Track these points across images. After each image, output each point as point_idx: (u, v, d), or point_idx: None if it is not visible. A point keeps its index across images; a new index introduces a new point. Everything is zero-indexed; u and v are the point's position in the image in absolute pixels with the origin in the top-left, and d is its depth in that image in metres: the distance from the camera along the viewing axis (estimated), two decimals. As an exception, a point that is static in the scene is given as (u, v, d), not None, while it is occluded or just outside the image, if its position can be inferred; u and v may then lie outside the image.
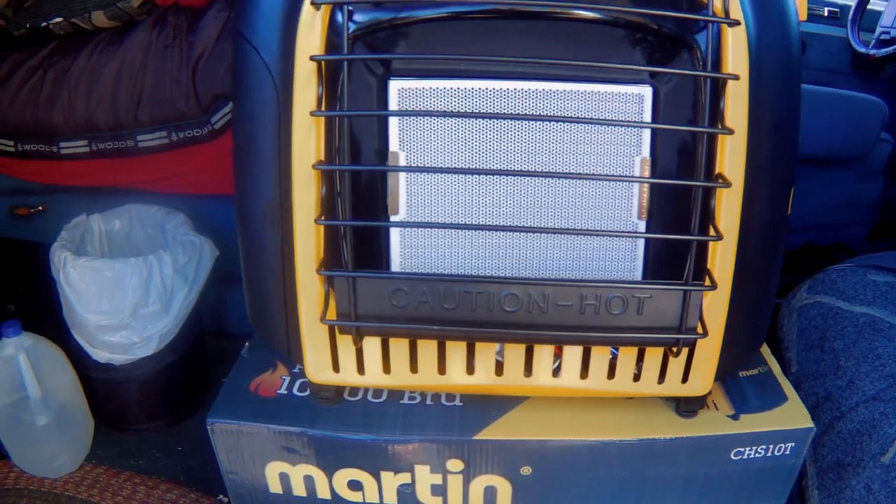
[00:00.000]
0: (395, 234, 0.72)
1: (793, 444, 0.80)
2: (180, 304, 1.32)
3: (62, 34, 1.42)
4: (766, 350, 0.91)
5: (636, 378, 0.75)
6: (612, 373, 0.75)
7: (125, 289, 1.26)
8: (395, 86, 0.70)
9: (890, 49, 1.82)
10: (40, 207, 1.56)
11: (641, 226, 0.72)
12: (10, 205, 1.56)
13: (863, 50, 1.89)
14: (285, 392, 0.83)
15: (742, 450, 0.80)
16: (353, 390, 0.83)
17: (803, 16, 0.76)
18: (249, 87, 0.73)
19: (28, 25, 1.42)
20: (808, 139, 1.70)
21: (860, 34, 1.93)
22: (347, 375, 0.76)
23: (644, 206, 0.71)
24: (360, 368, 0.76)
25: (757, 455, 0.81)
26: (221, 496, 1.30)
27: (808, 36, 1.97)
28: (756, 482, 0.83)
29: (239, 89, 0.75)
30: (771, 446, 0.80)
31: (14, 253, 1.61)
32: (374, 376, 0.76)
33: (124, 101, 1.36)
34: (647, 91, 0.70)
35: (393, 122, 0.70)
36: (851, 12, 1.95)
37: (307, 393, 0.83)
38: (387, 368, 0.75)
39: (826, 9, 2.09)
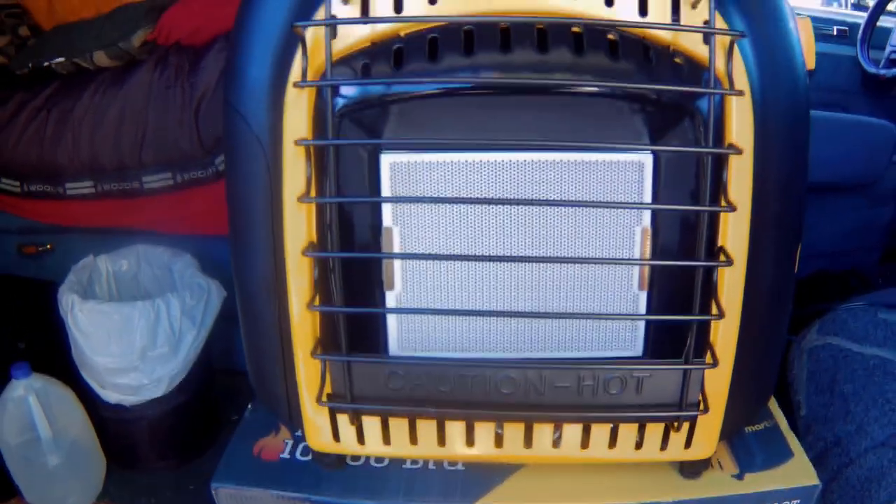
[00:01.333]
0: (391, 316, 0.71)
1: (798, 501, 0.79)
2: (189, 346, 1.32)
3: (64, 73, 1.42)
4: (772, 403, 0.90)
5: (638, 446, 0.74)
6: (613, 442, 0.74)
7: (133, 332, 1.27)
8: (387, 160, 0.68)
9: None
10: (48, 246, 1.57)
11: (642, 297, 0.71)
12: (18, 243, 1.57)
13: (872, 70, 1.87)
14: (288, 456, 0.83)
15: (749, 510, 0.79)
16: (356, 456, 0.82)
17: (811, 65, 0.74)
18: (241, 161, 0.72)
19: (31, 65, 1.43)
20: (819, 168, 1.68)
21: (870, 52, 1.90)
22: (348, 445, 0.76)
23: (645, 278, 0.70)
24: (361, 440, 0.75)
25: (764, 514, 0.79)
26: (232, 536, 1.30)
27: (818, 56, 1.95)
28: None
29: (230, 161, 0.75)
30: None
31: (23, 291, 1.61)
32: (374, 447, 0.76)
33: (128, 142, 1.37)
34: (647, 159, 0.68)
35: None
36: (861, 31, 1.92)
37: (310, 457, 0.82)
38: (386, 440, 0.75)
39: (835, 28, 2.06)
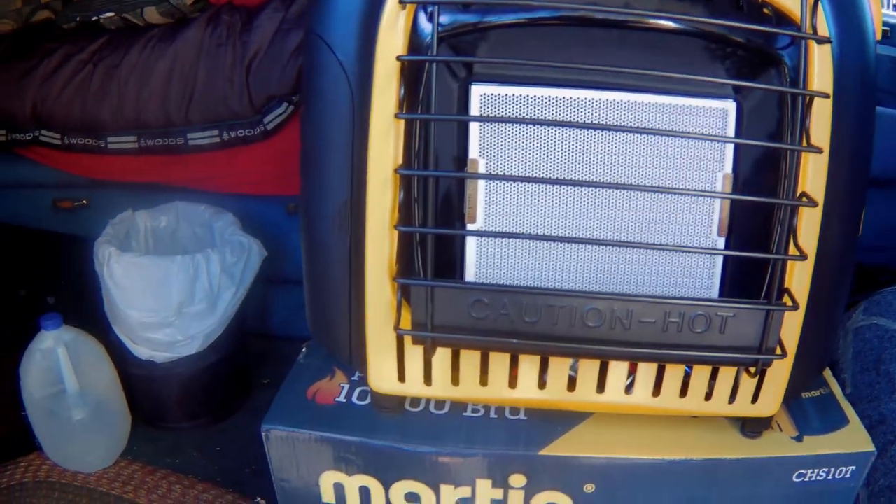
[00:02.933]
0: (471, 243, 0.70)
1: (853, 467, 0.79)
2: (226, 304, 1.31)
3: (113, 29, 1.42)
4: (827, 372, 0.90)
5: (707, 397, 0.74)
6: (684, 391, 0.73)
7: (171, 287, 1.26)
8: (478, 91, 0.68)
9: None
10: (84, 201, 1.56)
11: (721, 242, 0.70)
12: (53, 197, 1.56)
13: None
14: (344, 400, 0.82)
15: (804, 472, 0.79)
16: (415, 401, 0.82)
17: (878, 34, 0.75)
18: (322, 88, 0.72)
19: (78, 19, 1.42)
20: (877, 162, 1.69)
21: None
22: (413, 386, 0.75)
23: (724, 224, 0.70)
24: (428, 379, 0.74)
25: (818, 478, 0.79)
26: (259, 499, 1.29)
27: None
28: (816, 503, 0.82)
29: (310, 89, 0.74)
30: (832, 469, 0.79)
31: (55, 246, 1.61)
32: (441, 388, 0.75)
33: (175, 99, 1.36)
34: (731, 106, 0.68)
35: (474, 129, 0.69)
36: None
37: (367, 402, 0.82)
38: (455, 380, 0.74)
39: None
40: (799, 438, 0.80)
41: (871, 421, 1.00)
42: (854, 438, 0.80)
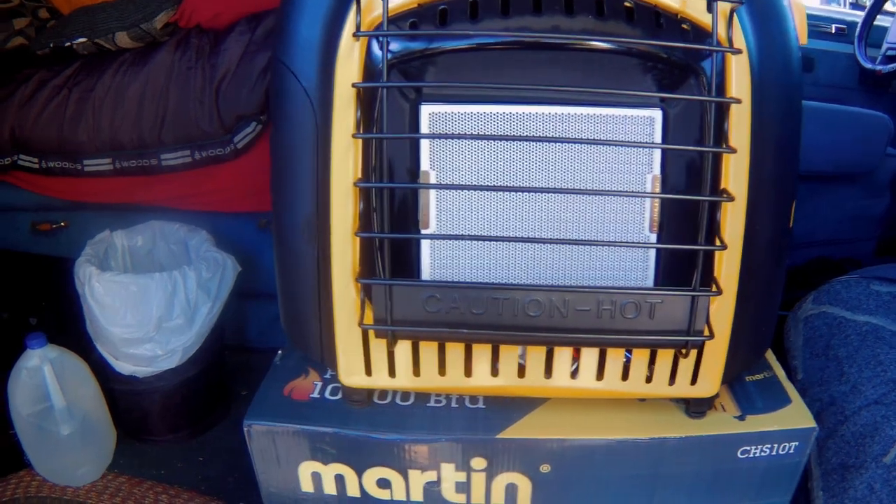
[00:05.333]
0: (425, 246, 0.77)
1: (797, 443, 0.85)
2: (203, 318, 1.35)
3: (86, 54, 1.47)
4: (771, 356, 0.96)
5: (648, 380, 0.80)
6: (625, 375, 0.80)
7: (150, 303, 1.30)
8: (427, 110, 0.75)
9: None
10: (62, 223, 1.60)
11: (653, 238, 0.77)
12: (32, 220, 1.60)
13: (869, 66, 1.93)
14: (318, 396, 0.88)
15: (748, 448, 0.85)
16: (383, 394, 0.88)
17: (804, 40, 0.81)
18: (288, 111, 0.79)
19: (52, 45, 1.47)
20: (815, 156, 1.75)
21: (867, 50, 1.97)
22: (379, 379, 0.81)
23: (655, 220, 0.77)
24: (392, 372, 0.81)
25: (762, 454, 0.85)
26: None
27: (817, 53, 2.02)
28: (762, 480, 0.88)
29: (277, 112, 0.81)
30: (776, 445, 0.85)
31: (35, 267, 1.64)
32: (404, 379, 0.81)
33: (148, 121, 1.40)
34: (657, 114, 0.75)
35: (424, 144, 0.76)
36: (858, 29, 1.99)
37: (339, 397, 0.88)
38: (416, 372, 0.80)
39: (833, 26, 2.14)
40: (742, 417, 0.86)
41: (822, 404, 1.07)
42: (796, 416, 0.87)
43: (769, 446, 0.85)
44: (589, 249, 0.77)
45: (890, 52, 1.94)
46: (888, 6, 2.10)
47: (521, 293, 0.73)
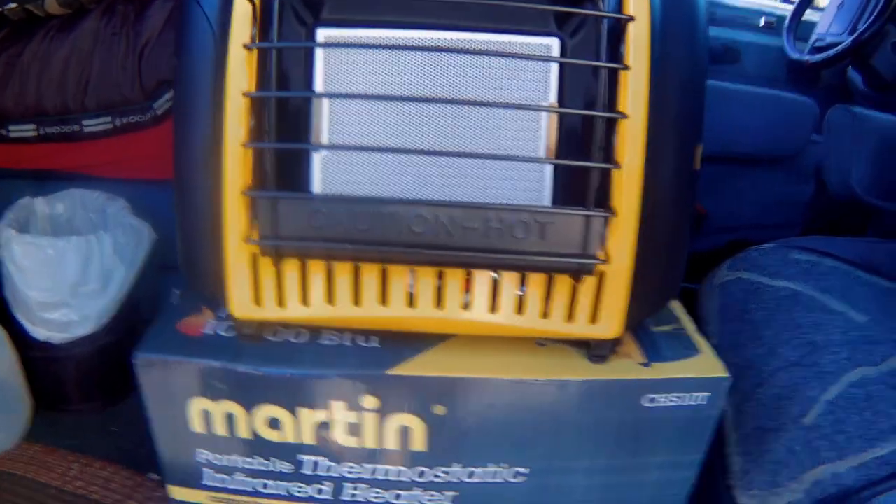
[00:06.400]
0: (316, 161, 0.75)
1: (708, 393, 0.83)
2: (119, 284, 1.35)
3: (15, 20, 1.45)
4: (680, 309, 0.95)
5: (545, 315, 0.79)
6: (520, 308, 0.78)
7: (66, 267, 1.29)
8: (322, 34, 0.74)
9: (824, 55, 1.89)
10: (-16, 191, 1.57)
11: (548, 166, 0.76)
12: (-46, 187, 1.58)
13: (797, 56, 1.96)
14: (211, 332, 0.86)
15: (655, 397, 0.83)
16: (275, 332, 0.86)
17: None
18: (188, 36, 0.78)
19: (-19, 11, 1.46)
20: (739, 137, 1.78)
21: (796, 44, 2.00)
22: (268, 309, 0.79)
23: (552, 147, 0.75)
24: (281, 300, 0.78)
25: (671, 403, 0.83)
26: (151, 474, 1.32)
27: (744, 45, 2.05)
28: (672, 434, 0.86)
29: (180, 41, 0.80)
30: (685, 395, 0.83)
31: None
32: (293, 309, 0.79)
33: (72, 87, 1.40)
34: (554, 42, 0.75)
35: (318, 65, 0.74)
36: (787, 21, 2.02)
37: (231, 334, 0.85)
38: (305, 300, 0.78)
39: (763, 18, 2.16)
40: (647, 364, 0.84)
41: (738, 367, 1.05)
42: (706, 365, 0.85)
43: (678, 396, 0.84)
44: (482, 170, 0.75)
45: (818, 44, 1.97)
46: (818, 1, 2.13)
47: (407, 207, 0.72)
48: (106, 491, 1.31)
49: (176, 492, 0.92)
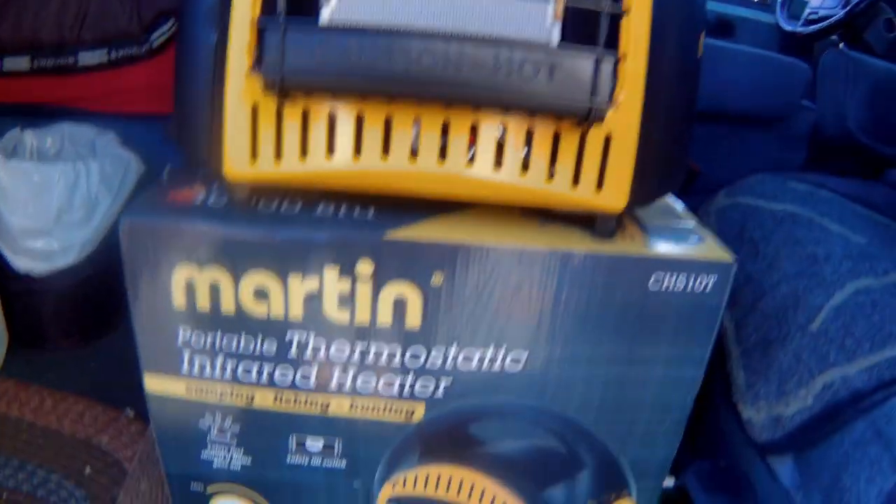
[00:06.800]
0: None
1: (714, 277, 0.80)
2: (103, 213, 1.33)
3: (13, -47, 1.44)
4: (681, 206, 0.94)
5: (550, 177, 0.76)
6: (525, 165, 0.75)
7: (52, 192, 1.28)
8: None
9: (817, 26, 1.89)
10: (-26, 124, 1.56)
11: (556, 29, 0.73)
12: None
13: (790, 28, 1.96)
14: (201, 202, 0.82)
15: (660, 278, 0.80)
16: (269, 201, 0.82)
17: None
18: None
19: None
20: (731, 95, 1.77)
21: (789, 20, 2.01)
22: (264, 164, 0.76)
23: (559, 11, 0.72)
24: (279, 151, 0.75)
25: (677, 287, 0.80)
26: (128, 409, 1.28)
27: (738, 20, 2.06)
28: (677, 323, 0.83)
29: None
30: (691, 278, 0.80)
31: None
32: (289, 163, 0.75)
33: (70, 19, 1.40)
34: None
35: None
36: None
37: (223, 203, 0.82)
38: (304, 150, 0.75)
39: None
40: (652, 246, 0.81)
41: (737, 283, 1.02)
42: (712, 250, 0.82)
43: (683, 278, 0.80)
44: (493, 6, 0.72)
45: (811, 17, 1.98)
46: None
47: (417, 40, 0.69)
48: (79, 425, 1.27)
49: (153, 383, 0.87)
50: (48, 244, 1.27)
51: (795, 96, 1.82)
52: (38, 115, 1.49)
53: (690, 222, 0.88)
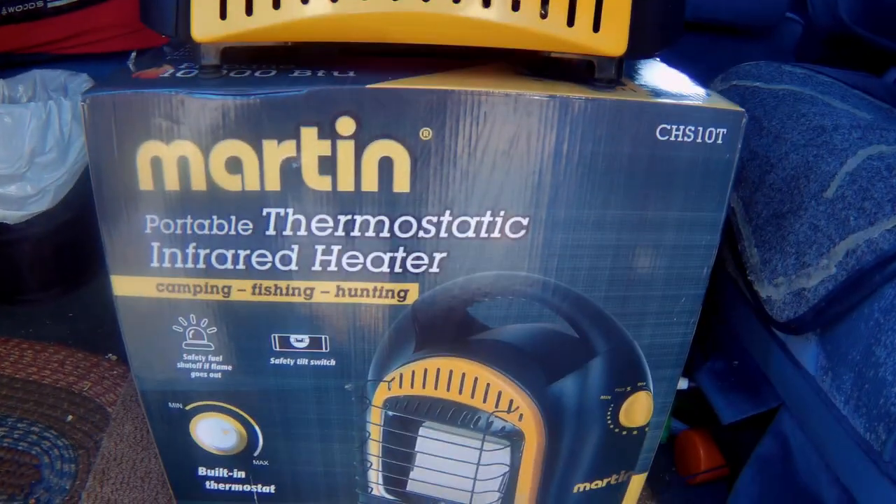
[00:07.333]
0: None
1: (724, 129, 0.74)
2: (77, 153, 1.28)
3: None
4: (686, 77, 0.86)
5: (544, 15, 0.69)
6: (516, 5, 0.69)
7: (23, 134, 1.22)
8: None
9: None
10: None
11: None
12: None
13: None
14: (167, 76, 0.76)
15: (669, 128, 0.74)
16: (241, 70, 0.76)
17: None
18: None
19: None
20: (715, 3, 1.73)
21: None
22: (235, 20, 0.70)
23: None
24: (249, 5, 0.69)
25: (686, 139, 0.74)
26: (110, 354, 1.23)
27: None
28: (689, 180, 0.77)
29: None
30: (700, 130, 0.74)
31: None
32: (262, 13, 0.69)
33: (37, -40, 1.35)
34: None
35: None
36: None
37: (192, 75, 0.75)
38: (276, 2, 0.69)
39: None
40: (658, 97, 0.75)
41: (743, 160, 0.96)
42: (719, 102, 0.76)
43: (692, 130, 0.74)
44: None
45: None
46: None
47: None
48: (59, 374, 1.22)
49: (121, 285, 0.81)
50: (21, 189, 1.21)
51: (780, 4, 1.79)
52: (9, 65, 1.45)
53: (697, 88, 0.81)
